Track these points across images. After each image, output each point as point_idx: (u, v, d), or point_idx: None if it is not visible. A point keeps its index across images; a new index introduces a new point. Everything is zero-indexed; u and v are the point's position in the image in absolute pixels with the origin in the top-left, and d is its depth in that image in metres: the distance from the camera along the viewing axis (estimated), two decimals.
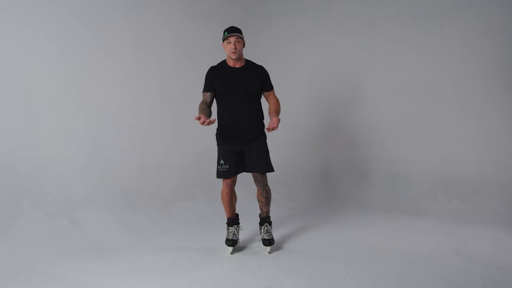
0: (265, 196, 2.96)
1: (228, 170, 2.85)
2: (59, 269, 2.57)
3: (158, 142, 4.28)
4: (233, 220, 3.00)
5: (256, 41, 5.38)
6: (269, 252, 2.87)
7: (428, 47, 4.23)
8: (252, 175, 2.93)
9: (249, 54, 5.40)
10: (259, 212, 3.08)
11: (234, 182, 2.91)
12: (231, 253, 2.88)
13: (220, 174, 2.88)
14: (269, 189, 2.99)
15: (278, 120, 2.67)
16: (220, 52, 4.91)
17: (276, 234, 3.26)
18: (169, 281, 2.37)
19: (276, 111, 2.84)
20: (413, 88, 4.35)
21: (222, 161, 2.86)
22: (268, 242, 2.89)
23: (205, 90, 2.87)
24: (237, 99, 2.81)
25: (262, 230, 2.98)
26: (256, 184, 2.96)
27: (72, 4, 3.62)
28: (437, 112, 4.21)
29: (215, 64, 2.92)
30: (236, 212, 3.07)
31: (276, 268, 2.57)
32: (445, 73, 4.15)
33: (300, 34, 5.11)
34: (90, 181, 3.67)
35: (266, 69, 2.97)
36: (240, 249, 2.99)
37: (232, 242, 2.90)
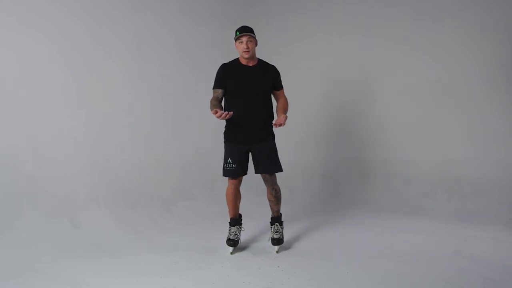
0: (274, 195, 2.96)
1: (235, 169, 2.85)
2: (59, 269, 2.57)
3: (158, 142, 4.28)
4: (235, 221, 3.00)
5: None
6: (277, 251, 2.89)
7: (428, 47, 4.23)
8: (261, 175, 2.93)
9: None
10: (270, 212, 3.10)
11: (240, 182, 2.92)
12: (231, 253, 2.89)
13: (226, 173, 2.88)
14: (279, 188, 2.99)
15: (285, 118, 2.73)
16: (220, 52, 4.94)
17: None
18: (169, 281, 2.38)
19: (284, 109, 2.92)
20: (413, 88, 4.34)
21: (229, 159, 2.86)
22: (277, 241, 2.91)
23: (217, 87, 2.86)
24: (248, 97, 2.81)
25: (272, 230, 2.99)
26: (265, 184, 2.97)
27: (72, 4, 3.61)
28: (437, 112, 4.21)
29: (226, 61, 2.92)
30: (240, 212, 3.08)
31: (276, 268, 2.57)
32: (445, 73, 4.15)
33: (300, 34, 5.11)
34: (90, 181, 3.67)
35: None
36: (240, 249, 2.99)
37: (233, 242, 2.90)
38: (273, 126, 2.75)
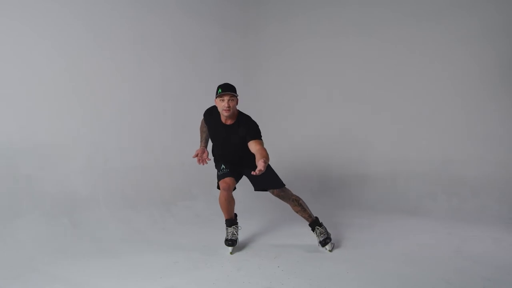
0: (298, 205, 2.96)
1: (229, 171, 2.88)
2: (59, 269, 2.57)
3: (158, 142, 4.28)
4: (231, 221, 3.00)
5: (256, 41, 5.39)
6: (330, 251, 2.88)
7: (428, 47, 4.23)
8: (274, 194, 2.94)
9: (249, 54, 5.43)
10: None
11: (231, 188, 2.88)
12: (231, 253, 2.89)
13: (221, 176, 2.89)
14: (298, 197, 2.98)
15: (264, 163, 2.42)
16: (220, 52, 4.94)
17: (276, 235, 3.26)
18: (169, 281, 2.37)
19: (263, 157, 2.50)
20: (413, 88, 4.35)
21: (222, 166, 2.91)
22: (324, 242, 2.89)
23: (204, 121, 3.01)
24: (226, 148, 2.90)
25: (316, 234, 2.97)
26: (283, 201, 2.98)
27: (73, 5, 3.62)
28: (437, 112, 4.21)
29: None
30: (235, 212, 3.07)
31: (276, 268, 2.57)
32: (445, 73, 4.15)
33: (301, 35, 5.11)
34: (90, 181, 3.67)
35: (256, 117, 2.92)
36: (240, 249, 2.99)
37: (231, 242, 2.90)
38: (252, 173, 2.45)
